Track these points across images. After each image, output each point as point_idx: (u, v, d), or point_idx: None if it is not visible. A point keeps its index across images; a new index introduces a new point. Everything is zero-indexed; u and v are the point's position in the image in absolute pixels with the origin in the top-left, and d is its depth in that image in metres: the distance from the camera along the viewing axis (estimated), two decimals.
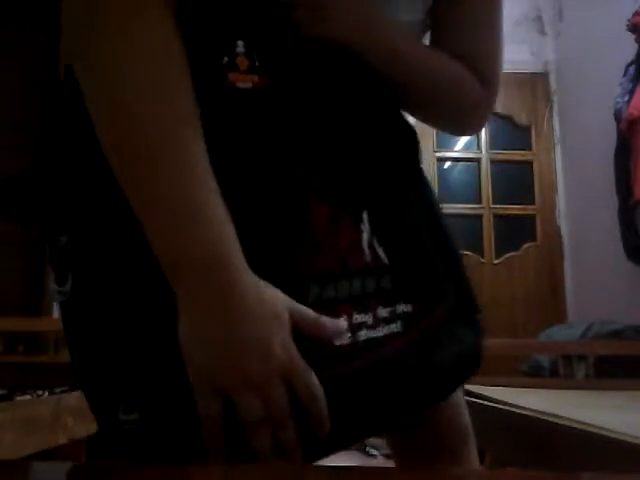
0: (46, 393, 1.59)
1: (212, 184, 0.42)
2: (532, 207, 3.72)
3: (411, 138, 0.61)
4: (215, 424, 0.42)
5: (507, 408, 1.54)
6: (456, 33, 0.67)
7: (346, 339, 0.47)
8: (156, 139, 0.41)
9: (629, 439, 0.95)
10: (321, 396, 0.44)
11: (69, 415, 1.54)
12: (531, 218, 3.72)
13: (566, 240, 3.63)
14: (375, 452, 2.94)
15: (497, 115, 3.84)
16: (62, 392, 1.64)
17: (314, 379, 0.44)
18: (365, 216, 0.51)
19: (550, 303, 3.59)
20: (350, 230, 0.50)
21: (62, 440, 1.49)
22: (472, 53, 0.67)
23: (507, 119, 3.84)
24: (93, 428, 1.86)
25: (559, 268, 3.64)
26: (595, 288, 3.24)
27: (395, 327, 0.50)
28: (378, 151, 0.56)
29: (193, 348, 0.42)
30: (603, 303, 3.06)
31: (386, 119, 0.59)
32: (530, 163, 3.75)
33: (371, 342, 0.48)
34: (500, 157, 3.78)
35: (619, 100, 2.76)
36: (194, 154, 0.42)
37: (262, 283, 0.43)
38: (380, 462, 2.79)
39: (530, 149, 3.77)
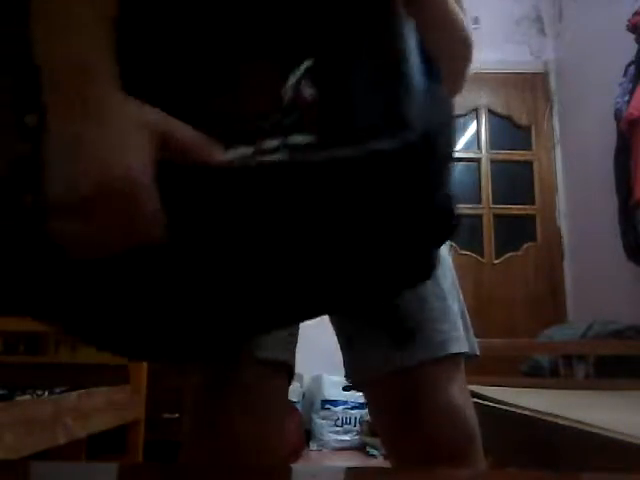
0: (46, 393, 1.59)
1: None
2: (532, 207, 3.72)
3: None
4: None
5: (507, 408, 1.54)
6: None
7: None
8: None
9: (629, 439, 0.95)
10: (156, 220, 0.43)
11: (69, 415, 1.54)
12: (531, 218, 3.72)
13: (566, 240, 3.63)
14: (375, 452, 2.95)
15: (497, 115, 3.84)
16: (62, 392, 1.64)
17: (152, 203, 0.43)
18: (307, 63, 0.51)
19: (550, 303, 3.59)
20: (271, 74, 0.51)
21: (62, 440, 1.49)
22: None
23: (507, 119, 3.84)
24: (93, 428, 1.87)
25: (559, 268, 3.64)
26: (595, 288, 3.24)
27: (279, 157, 0.48)
28: None
29: (52, 152, 0.43)
30: (603, 303, 3.06)
31: None
32: (530, 163, 3.75)
33: (244, 166, 0.47)
34: (500, 157, 3.78)
35: (619, 100, 2.76)
36: None
37: (132, 100, 0.44)
38: (380, 462, 2.79)
39: (530, 149, 3.77)
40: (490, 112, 3.83)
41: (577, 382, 2.29)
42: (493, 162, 3.76)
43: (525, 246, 3.68)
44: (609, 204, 2.84)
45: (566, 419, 1.22)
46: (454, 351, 0.71)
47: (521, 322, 3.49)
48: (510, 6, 3.71)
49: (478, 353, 0.77)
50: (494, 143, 3.79)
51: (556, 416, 1.27)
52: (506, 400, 1.61)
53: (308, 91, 0.50)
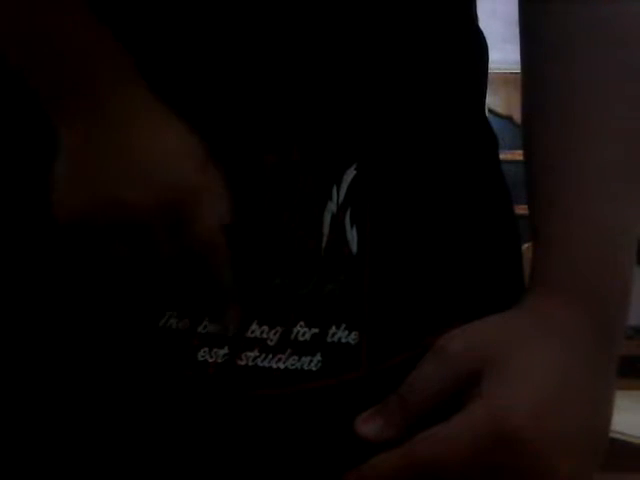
0: None
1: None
2: None
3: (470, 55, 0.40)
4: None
5: None
6: None
7: (219, 356, 0.33)
8: None
9: (629, 439, 0.95)
10: (222, 245, 0.32)
11: None
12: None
13: None
14: None
15: (497, 115, 3.84)
16: None
17: (213, 223, 0.32)
18: (349, 175, 0.34)
19: None
20: (309, 194, 0.33)
21: None
22: None
23: (507, 119, 3.83)
24: None
25: None
26: None
27: (310, 363, 0.33)
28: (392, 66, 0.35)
29: (64, 183, 0.32)
30: None
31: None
32: None
33: (257, 373, 0.33)
34: (500, 157, 3.77)
35: None
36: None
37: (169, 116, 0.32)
38: None
39: None
40: (490, 112, 3.83)
41: None
42: None
43: (525, 246, 3.66)
44: None
45: None
46: None
47: None
48: (510, 6, 3.70)
49: None
50: None
51: None
52: None
53: (353, 237, 0.34)
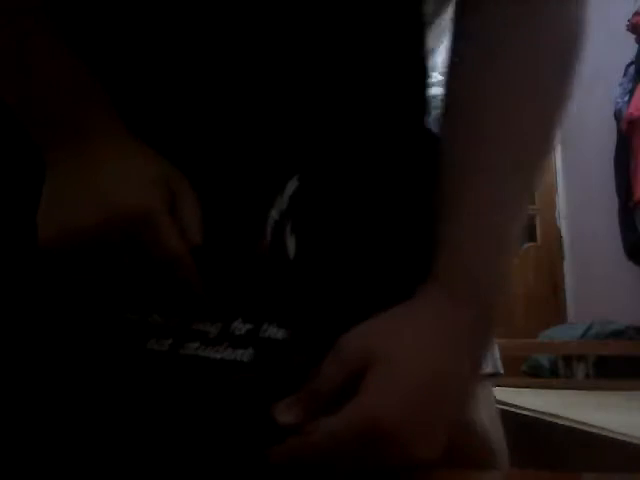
0: None
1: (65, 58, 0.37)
2: (532, 207, 3.71)
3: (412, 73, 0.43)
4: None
5: (507, 408, 1.54)
6: None
7: (165, 345, 0.37)
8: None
9: (629, 439, 0.95)
10: (186, 264, 0.37)
11: None
12: (531, 218, 3.71)
13: (566, 240, 3.63)
14: None
15: None
16: None
17: (175, 248, 0.36)
18: (292, 185, 0.38)
19: (550, 303, 3.58)
20: (253, 203, 0.38)
21: None
22: None
23: None
24: None
25: (559, 268, 3.63)
26: (595, 288, 3.23)
27: (243, 355, 0.37)
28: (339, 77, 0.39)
29: (45, 208, 0.36)
30: (603, 303, 3.06)
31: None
32: None
33: (197, 362, 0.37)
34: None
35: (619, 100, 2.76)
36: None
37: (140, 151, 0.37)
38: None
39: None
40: None
41: (577, 382, 2.29)
42: None
43: (525, 246, 3.68)
44: (609, 204, 2.84)
45: (566, 419, 1.22)
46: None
47: (521, 322, 3.48)
48: None
49: (502, 371, 0.74)
50: None
51: (556, 416, 1.28)
52: (506, 400, 1.61)
53: (292, 244, 0.38)
